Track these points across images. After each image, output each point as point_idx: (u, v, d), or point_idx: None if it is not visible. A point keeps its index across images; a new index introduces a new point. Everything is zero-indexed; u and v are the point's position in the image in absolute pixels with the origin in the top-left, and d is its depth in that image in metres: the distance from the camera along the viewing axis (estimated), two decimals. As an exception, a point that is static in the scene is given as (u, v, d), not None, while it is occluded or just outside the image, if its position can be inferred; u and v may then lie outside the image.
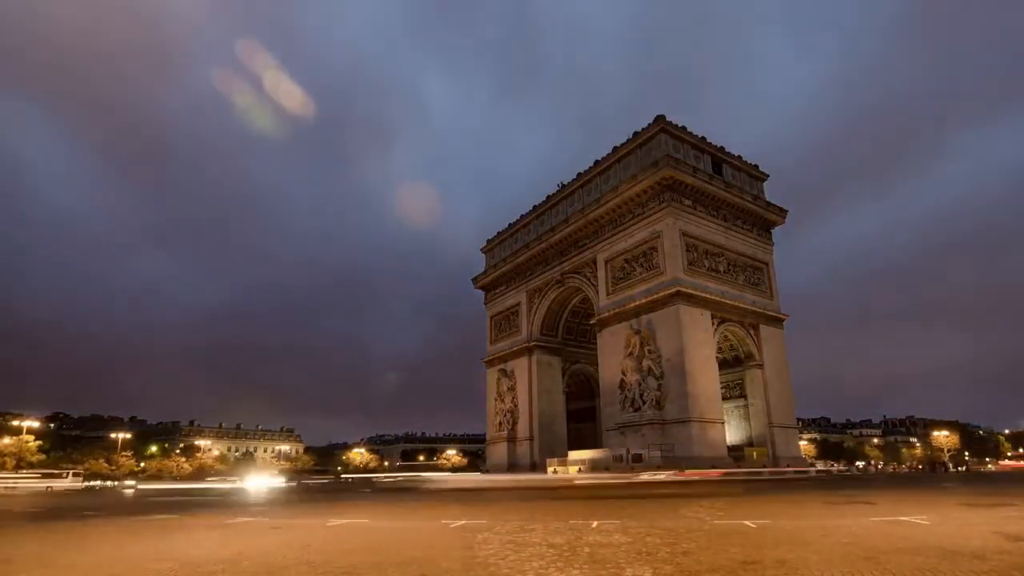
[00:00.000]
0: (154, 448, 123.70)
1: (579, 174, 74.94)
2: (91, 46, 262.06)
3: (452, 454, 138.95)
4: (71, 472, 64.23)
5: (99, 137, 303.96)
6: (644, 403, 58.12)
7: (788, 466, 58.06)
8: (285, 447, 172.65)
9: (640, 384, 58.69)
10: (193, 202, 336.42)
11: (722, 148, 68.27)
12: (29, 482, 57.98)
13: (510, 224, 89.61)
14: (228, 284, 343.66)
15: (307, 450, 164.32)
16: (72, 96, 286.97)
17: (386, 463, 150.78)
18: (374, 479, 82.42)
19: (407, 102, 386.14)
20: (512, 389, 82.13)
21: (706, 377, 57.00)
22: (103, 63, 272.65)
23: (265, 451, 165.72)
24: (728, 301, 61.42)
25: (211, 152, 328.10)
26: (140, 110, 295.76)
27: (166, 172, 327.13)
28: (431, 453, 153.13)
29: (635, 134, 66.38)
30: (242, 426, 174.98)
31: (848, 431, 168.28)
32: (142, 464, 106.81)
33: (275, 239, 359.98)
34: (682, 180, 61.15)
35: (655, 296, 59.17)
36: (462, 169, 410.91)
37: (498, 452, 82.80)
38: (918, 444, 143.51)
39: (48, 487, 56.71)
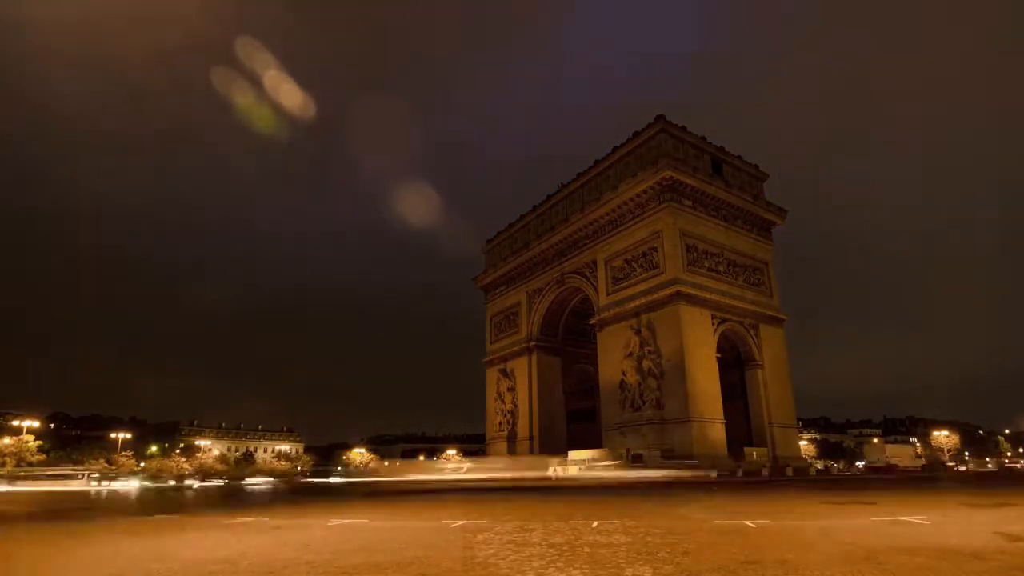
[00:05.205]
0: (154, 448, 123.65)
1: (579, 174, 74.88)
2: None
3: (452, 454, 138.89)
4: (87, 473, 62.30)
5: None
6: (644, 403, 58.10)
7: (786, 467, 57.85)
8: (285, 447, 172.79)
9: (640, 384, 58.67)
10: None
11: (722, 148, 68.24)
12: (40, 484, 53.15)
13: (510, 224, 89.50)
14: (231, 284, 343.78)
15: (307, 450, 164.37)
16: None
17: (386, 463, 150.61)
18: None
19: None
20: (512, 389, 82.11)
21: (706, 377, 56.97)
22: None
23: (266, 451, 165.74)
24: (728, 301, 61.38)
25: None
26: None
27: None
28: (431, 453, 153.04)
29: (635, 134, 66.32)
30: (242, 426, 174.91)
31: (848, 431, 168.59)
32: (142, 464, 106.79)
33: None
34: (682, 180, 61.12)
35: (655, 296, 59.14)
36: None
37: (498, 452, 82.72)
38: (918, 444, 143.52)
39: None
